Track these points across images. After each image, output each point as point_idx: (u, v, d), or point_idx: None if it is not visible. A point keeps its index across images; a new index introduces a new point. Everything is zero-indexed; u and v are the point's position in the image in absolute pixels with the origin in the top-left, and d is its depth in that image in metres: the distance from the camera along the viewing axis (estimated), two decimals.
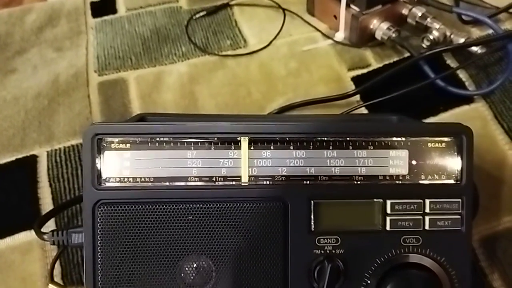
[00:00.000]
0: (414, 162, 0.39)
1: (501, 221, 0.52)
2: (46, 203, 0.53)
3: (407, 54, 0.62)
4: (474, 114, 0.58)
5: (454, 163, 0.40)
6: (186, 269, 0.37)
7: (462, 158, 0.39)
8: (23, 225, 0.52)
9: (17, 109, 0.59)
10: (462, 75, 0.61)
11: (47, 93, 0.60)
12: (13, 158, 0.55)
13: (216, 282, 0.37)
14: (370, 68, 0.61)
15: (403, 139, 0.39)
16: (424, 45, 0.60)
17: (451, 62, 0.62)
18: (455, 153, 0.40)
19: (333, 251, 0.38)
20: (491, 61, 0.62)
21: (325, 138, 0.39)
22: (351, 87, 0.59)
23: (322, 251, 0.38)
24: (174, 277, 0.37)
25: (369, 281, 0.38)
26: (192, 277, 0.37)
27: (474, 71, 0.61)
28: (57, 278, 0.48)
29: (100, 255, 0.37)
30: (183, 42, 0.65)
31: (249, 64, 0.62)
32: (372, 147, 0.39)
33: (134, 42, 0.65)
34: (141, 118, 0.47)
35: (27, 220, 0.52)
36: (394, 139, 0.39)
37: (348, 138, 0.39)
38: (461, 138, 0.39)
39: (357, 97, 0.58)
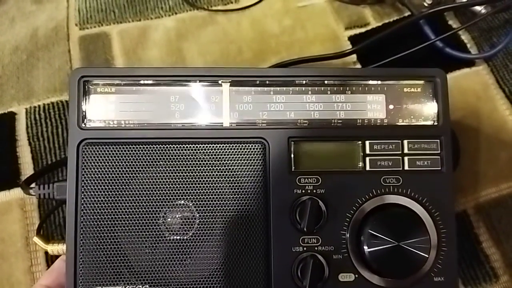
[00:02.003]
0: (391, 107, 0.41)
1: (499, 187, 0.50)
2: (26, 162, 0.51)
3: (407, 13, 0.58)
4: (475, 78, 0.55)
5: (430, 106, 0.41)
6: (169, 216, 0.38)
7: (437, 101, 0.41)
8: (1, 184, 0.50)
9: None
10: (464, 37, 0.58)
11: (26, 47, 0.56)
12: None
13: (198, 227, 0.38)
14: (369, 27, 0.58)
15: (379, 82, 0.40)
16: (425, 4, 0.57)
17: (453, 23, 0.59)
18: (431, 96, 0.41)
19: (314, 191, 0.39)
20: (495, 24, 0.59)
21: (304, 82, 0.40)
22: (348, 46, 0.56)
23: (303, 191, 0.38)
24: (157, 221, 0.38)
25: (351, 222, 0.38)
26: (175, 223, 0.38)
27: (476, 33, 0.58)
28: None
29: (83, 193, 0.37)
30: None
31: (240, 20, 0.59)
32: (349, 92, 0.40)
33: None
34: None
35: (5, 179, 0.50)
36: (371, 82, 0.40)
37: (326, 82, 0.40)
38: (435, 80, 0.41)
39: (354, 57, 0.55)
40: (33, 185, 0.44)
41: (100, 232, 0.37)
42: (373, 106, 0.40)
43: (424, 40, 0.54)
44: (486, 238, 0.49)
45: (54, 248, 0.43)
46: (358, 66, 0.55)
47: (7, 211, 0.49)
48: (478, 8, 0.56)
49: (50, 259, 0.47)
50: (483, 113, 0.53)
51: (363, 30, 0.58)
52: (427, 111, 0.41)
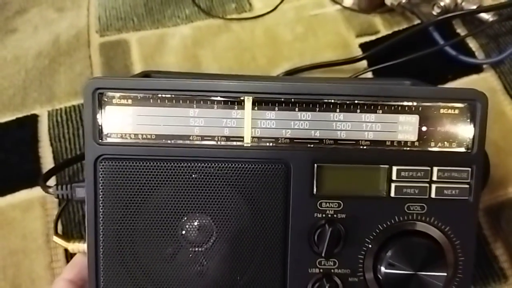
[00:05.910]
0: (424, 128, 0.38)
1: (507, 191, 0.51)
2: (47, 162, 0.53)
3: (417, 21, 0.60)
4: (483, 84, 0.57)
5: (466, 130, 0.38)
6: (188, 226, 0.38)
7: (474, 126, 0.38)
8: (23, 183, 0.52)
9: (17, 68, 0.58)
10: (472, 44, 0.59)
11: (48, 53, 0.59)
12: (14, 117, 0.55)
13: (216, 241, 0.37)
14: (379, 35, 0.60)
15: (414, 103, 0.38)
16: (434, 12, 0.58)
17: (462, 31, 0.60)
18: (468, 120, 0.38)
19: (335, 216, 0.38)
20: (502, 31, 0.60)
21: (332, 100, 0.37)
22: (359, 53, 0.58)
23: (324, 215, 0.37)
24: (175, 233, 0.38)
25: (370, 247, 0.38)
26: (193, 235, 0.38)
27: (484, 40, 0.59)
28: None
29: (102, 209, 0.37)
30: (186, 4, 0.63)
31: (254, 28, 0.61)
32: (381, 111, 0.38)
33: (136, 3, 0.63)
34: (146, 75, 0.46)
35: (27, 178, 0.52)
36: (405, 103, 0.38)
37: (356, 101, 0.37)
38: (475, 104, 0.38)
39: (364, 63, 0.57)
40: (51, 183, 0.45)
41: (120, 246, 0.37)
42: (404, 128, 0.38)
43: (433, 47, 0.55)
44: (494, 239, 0.50)
45: (75, 247, 0.44)
46: (369, 74, 0.57)
47: (29, 208, 0.51)
48: (485, 16, 0.57)
49: (69, 256, 0.49)
50: (491, 118, 0.54)
51: (373, 37, 0.60)
52: (461, 136, 0.38)
